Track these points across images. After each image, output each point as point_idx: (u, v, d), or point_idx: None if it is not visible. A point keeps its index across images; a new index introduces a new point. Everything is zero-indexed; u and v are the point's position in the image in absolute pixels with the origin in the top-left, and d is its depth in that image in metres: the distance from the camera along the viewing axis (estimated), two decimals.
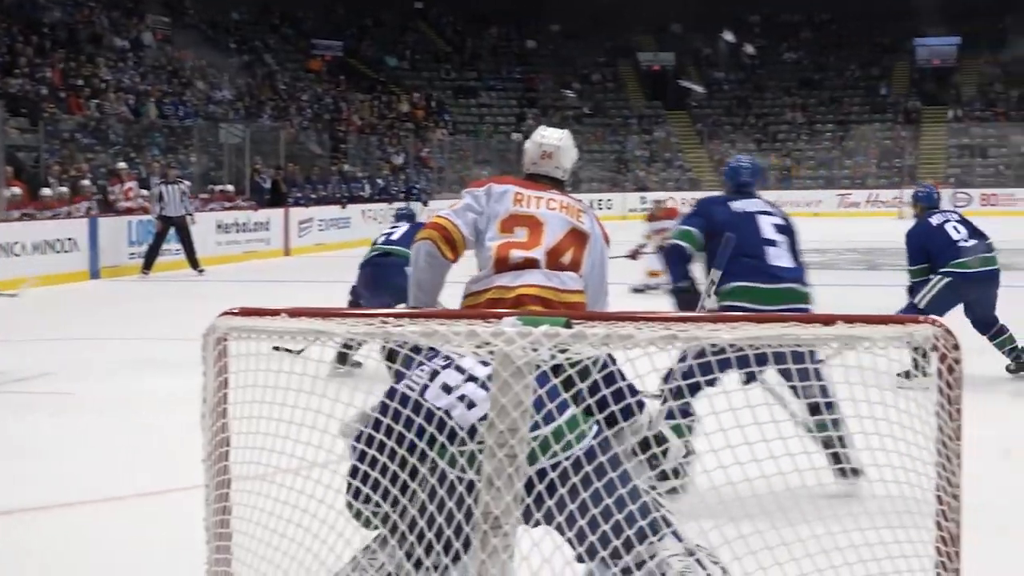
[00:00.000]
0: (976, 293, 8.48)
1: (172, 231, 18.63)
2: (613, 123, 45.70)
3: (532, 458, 3.08)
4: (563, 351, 2.58)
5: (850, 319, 2.57)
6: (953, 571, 2.53)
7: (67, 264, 17.78)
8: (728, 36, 47.63)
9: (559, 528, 3.00)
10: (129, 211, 20.12)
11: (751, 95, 46.76)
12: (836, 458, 4.10)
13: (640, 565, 3.10)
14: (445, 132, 40.10)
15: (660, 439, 3.37)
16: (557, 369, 3.08)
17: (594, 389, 3.06)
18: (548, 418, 3.09)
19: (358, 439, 3.07)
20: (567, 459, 3.05)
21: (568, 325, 2.59)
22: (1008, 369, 8.59)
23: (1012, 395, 8.39)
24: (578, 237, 4.46)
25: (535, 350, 2.51)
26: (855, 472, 3.80)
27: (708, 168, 43.22)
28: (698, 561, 3.18)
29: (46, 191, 19.83)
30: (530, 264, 4.35)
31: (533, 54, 48.81)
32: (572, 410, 3.17)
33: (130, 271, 18.71)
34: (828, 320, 2.56)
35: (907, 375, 6.44)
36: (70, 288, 16.92)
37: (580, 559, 3.04)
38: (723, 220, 5.89)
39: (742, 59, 48.49)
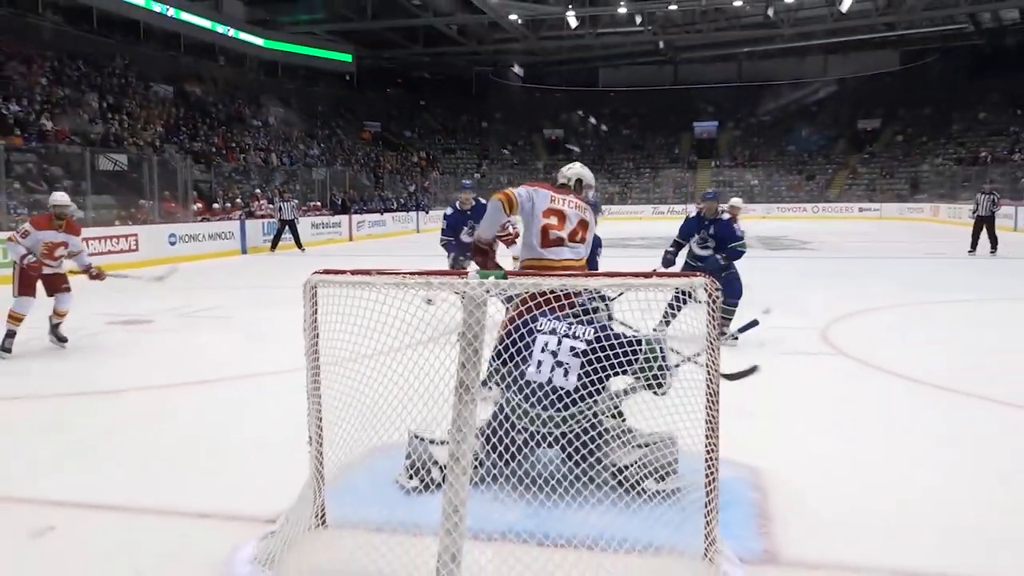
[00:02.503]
0: None
1: (287, 228, 18.39)
2: (529, 169, 45.42)
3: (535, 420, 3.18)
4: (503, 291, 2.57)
5: (660, 274, 2.58)
6: (716, 411, 2.56)
7: (228, 246, 17.61)
8: (592, 120, 47.60)
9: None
10: (262, 216, 19.90)
11: (605, 153, 46.56)
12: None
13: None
14: (437, 173, 39.74)
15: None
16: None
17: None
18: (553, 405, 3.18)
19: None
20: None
21: (505, 277, 2.57)
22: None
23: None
24: (584, 224, 4.31)
25: (488, 291, 2.48)
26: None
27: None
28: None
29: (215, 206, 19.81)
30: (560, 242, 4.23)
31: (485, 130, 48.32)
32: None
33: (263, 250, 18.46)
34: (648, 274, 2.57)
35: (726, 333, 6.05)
36: (229, 260, 16.75)
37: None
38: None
39: (600, 133, 48.44)
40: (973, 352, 6.42)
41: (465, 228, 8.04)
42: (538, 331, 3.38)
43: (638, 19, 37.35)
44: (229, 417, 4.75)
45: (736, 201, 9.81)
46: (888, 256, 15.67)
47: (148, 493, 3.46)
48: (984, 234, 15.06)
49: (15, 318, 6.37)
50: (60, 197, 6.73)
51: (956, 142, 37.64)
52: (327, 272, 2.75)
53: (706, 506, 2.54)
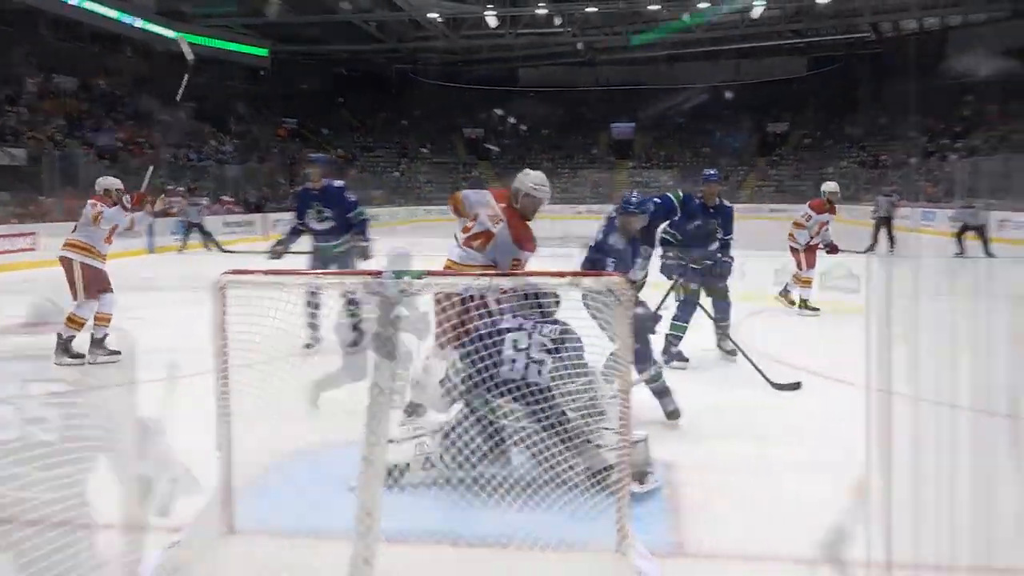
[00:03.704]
0: None
1: (193, 230, 17.81)
2: (448, 168, 45.30)
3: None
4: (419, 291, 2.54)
5: (580, 274, 2.61)
6: (628, 408, 2.60)
7: (134, 245, 16.65)
8: (511, 120, 47.80)
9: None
10: (168, 215, 19.23)
11: (525, 153, 46.69)
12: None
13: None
14: (356, 172, 39.25)
15: None
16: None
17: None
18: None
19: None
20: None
21: (421, 276, 2.54)
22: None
23: None
24: (486, 234, 4.47)
25: (402, 290, 2.46)
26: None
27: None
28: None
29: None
30: (459, 244, 4.51)
31: (405, 128, 47.81)
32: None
33: (172, 249, 17.90)
34: (575, 275, 2.60)
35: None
36: (136, 260, 16.05)
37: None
38: None
39: (519, 133, 48.66)
40: (871, 346, 6.71)
41: (309, 211, 6.73)
42: (505, 331, 3.38)
43: (557, 20, 37.70)
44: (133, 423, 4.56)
45: (832, 186, 8.90)
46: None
47: (46, 503, 3.29)
48: (883, 233, 15.82)
49: (76, 323, 5.95)
50: (114, 180, 6.67)
51: (859, 146, 39.38)
52: (236, 272, 2.69)
53: (618, 501, 2.59)
